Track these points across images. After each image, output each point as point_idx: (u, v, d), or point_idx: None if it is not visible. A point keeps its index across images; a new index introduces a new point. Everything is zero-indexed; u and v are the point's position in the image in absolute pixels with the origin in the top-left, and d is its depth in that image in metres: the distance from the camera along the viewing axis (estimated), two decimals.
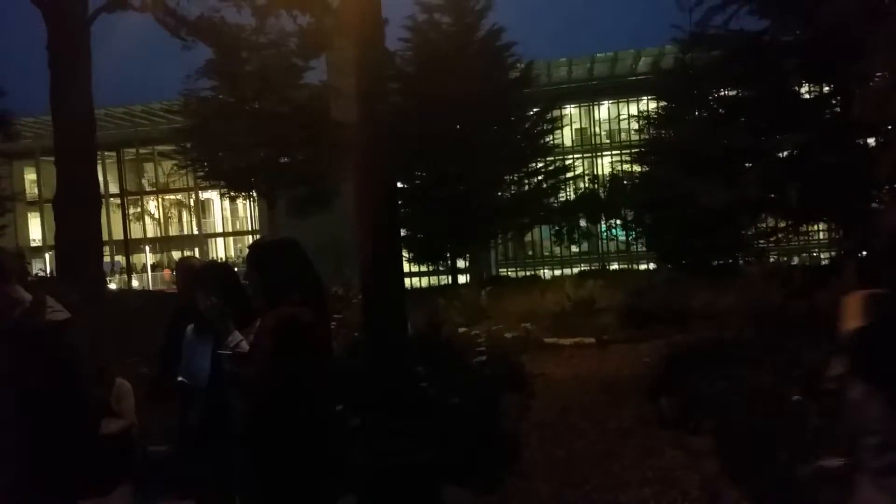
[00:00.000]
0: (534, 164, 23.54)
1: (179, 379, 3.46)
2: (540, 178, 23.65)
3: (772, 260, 14.95)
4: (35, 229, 40.48)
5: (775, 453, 3.48)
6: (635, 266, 24.74)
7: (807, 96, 12.43)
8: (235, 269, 3.78)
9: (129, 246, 41.52)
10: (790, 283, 8.62)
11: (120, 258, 40.78)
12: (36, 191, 39.81)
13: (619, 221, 25.14)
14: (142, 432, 5.64)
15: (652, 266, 22.59)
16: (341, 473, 2.98)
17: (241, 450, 3.13)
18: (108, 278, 23.87)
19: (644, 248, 23.80)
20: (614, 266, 27.00)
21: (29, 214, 39.81)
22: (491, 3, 22.15)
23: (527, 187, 23.40)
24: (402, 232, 21.32)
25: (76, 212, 18.13)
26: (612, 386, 6.94)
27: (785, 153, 12.20)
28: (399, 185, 20.80)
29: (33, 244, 38.16)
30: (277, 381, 2.70)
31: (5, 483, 2.25)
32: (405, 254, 22.21)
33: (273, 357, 2.71)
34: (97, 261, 19.34)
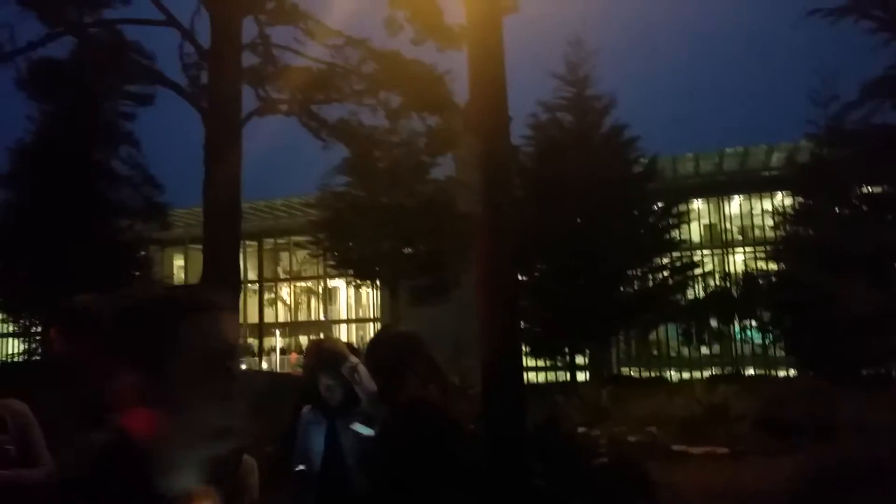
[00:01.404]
0: (659, 260, 22.89)
1: (299, 468, 3.56)
2: (666, 273, 22.92)
3: None
4: None
5: None
6: (773, 372, 23.01)
7: None
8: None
9: (262, 329, 43.87)
10: None
11: (252, 340, 43.00)
12: (183, 275, 43.21)
13: (754, 322, 23.68)
14: None
15: (792, 372, 20.96)
16: None
17: None
18: (241, 359, 25.09)
19: (783, 353, 22.17)
20: (749, 371, 25.24)
21: None
22: (614, 102, 22.44)
23: (651, 283, 22.71)
24: (521, 325, 21.09)
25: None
26: (748, 501, 6.35)
27: None
28: (519, 277, 20.83)
29: None
30: (406, 463, 2.68)
31: None
32: (522, 347, 21.87)
33: (404, 440, 2.71)
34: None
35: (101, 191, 20.69)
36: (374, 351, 3.03)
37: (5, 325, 21.76)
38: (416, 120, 22.50)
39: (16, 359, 20.76)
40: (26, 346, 20.63)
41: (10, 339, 25.95)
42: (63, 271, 17.34)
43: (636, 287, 22.48)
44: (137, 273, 21.86)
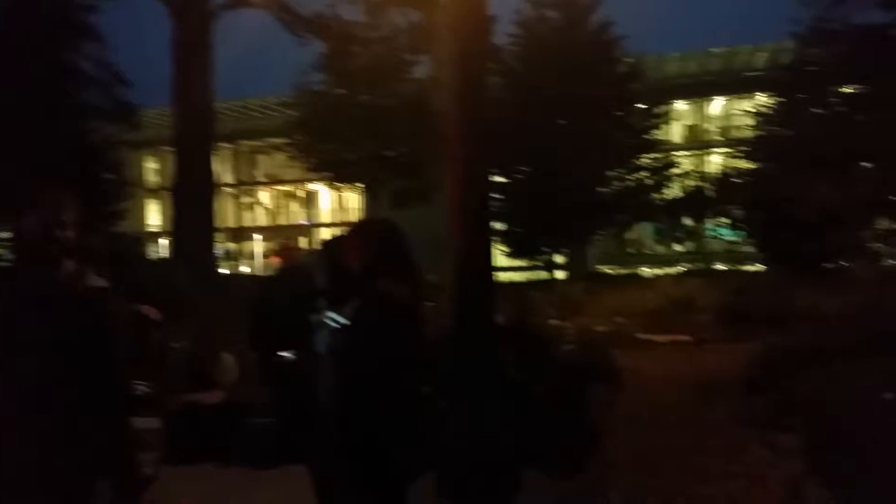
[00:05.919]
0: (638, 160, 23.03)
1: (280, 354, 3.75)
2: (644, 174, 23.12)
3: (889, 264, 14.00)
4: (154, 215, 43.37)
5: (863, 452, 3.39)
6: (741, 267, 23.73)
7: None
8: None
9: (240, 233, 43.92)
10: None
11: (232, 245, 43.12)
12: (156, 179, 42.64)
13: (726, 220, 24.19)
14: (249, 405, 6.03)
15: (760, 267, 21.65)
16: (424, 451, 3.10)
17: (328, 419, 3.33)
18: (219, 263, 25.24)
19: (752, 249, 22.82)
20: (720, 266, 25.99)
21: (149, 201, 42.66)
22: None
23: (630, 183, 22.94)
24: (501, 226, 21.38)
25: (192, 199, 19.31)
26: (704, 384, 6.80)
27: None
28: (500, 178, 20.88)
29: (152, 229, 40.89)
30: (373, 355, 2.79)
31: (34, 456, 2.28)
32: (503, 248, 22.26)
33: (370, 332, 2.82)
34: (209, 246, 20.56)
35: (68, 90, 19.97)
36: (351, 240, 3.07)
37: None
38: (397, 15, 21.73)
39: None
40: None
41: None
42: (31, 174, 17.02)
43: (615, 187, 22.71)
44: (109, 176, 21.50)
